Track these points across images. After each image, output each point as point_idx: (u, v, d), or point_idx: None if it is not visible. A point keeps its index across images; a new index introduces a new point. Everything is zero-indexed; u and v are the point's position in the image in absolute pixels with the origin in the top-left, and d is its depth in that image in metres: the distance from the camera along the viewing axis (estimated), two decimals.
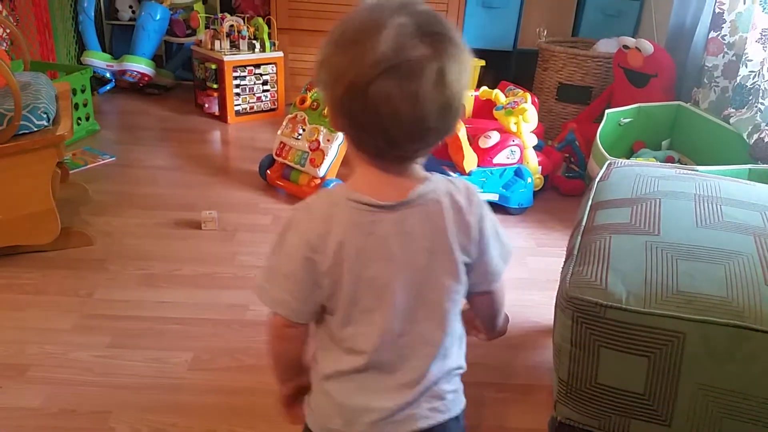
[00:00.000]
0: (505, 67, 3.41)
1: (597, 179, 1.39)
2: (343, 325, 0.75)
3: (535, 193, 2.31)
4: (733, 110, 2.15)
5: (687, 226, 1.12)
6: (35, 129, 1.72)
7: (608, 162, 1.48)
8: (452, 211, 0.73)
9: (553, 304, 1.09)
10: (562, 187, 2.45)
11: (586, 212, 1.25)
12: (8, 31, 2.69)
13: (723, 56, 2.27)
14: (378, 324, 0.73)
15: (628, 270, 1.01)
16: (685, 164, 2.26)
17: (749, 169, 1.89)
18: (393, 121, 0.64)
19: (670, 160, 2.31)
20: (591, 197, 1.31)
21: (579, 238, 1.16)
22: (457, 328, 0.79)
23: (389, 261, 0.72)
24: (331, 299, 0.74)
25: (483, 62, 3.15)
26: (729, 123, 2.14)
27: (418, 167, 0.73)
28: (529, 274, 1.90)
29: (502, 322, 0.90)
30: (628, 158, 2.32)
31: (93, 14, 3.28)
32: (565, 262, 1.15)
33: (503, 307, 0.86)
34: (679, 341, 0.94)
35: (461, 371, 0.81)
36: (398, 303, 0.73)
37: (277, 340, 0.80)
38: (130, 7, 3.54)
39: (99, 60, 3.24)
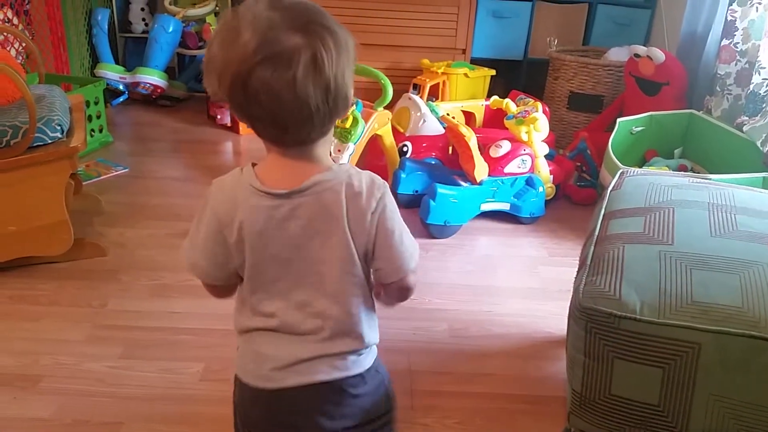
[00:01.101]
0: (516, 76, 3.41)
1: (610, 188, 1.38)
2: (252, 291, 0.83)
3: (547, 203, 2.30)
4: (747, 118, 2.13)
5: (701, 235, 1.11)
6: (49, 141, 1.74)
7: (621, 171, 1.47)
8: (347, 201, 0.78)
9: (566, 315, 1.09)
10: (574, 196, 2.44)
11: (599, 222, 1.24)
12: (24, 45, 2.72)
13: (735, 64, 2.26)
14: (282, 293, 0.82)
15: (642, 280, 1.00)
16: (698, 173, 2.24)
17: (764, 177, 1.87)
18: (277, 107, 0.70)
19: (682, 168, 2.30)
20: (604, 206, 1.30)
21: (592, 247, 1.15)
22: (360, 308, 0.84)
23: (288, 241, 0.79)
24: (241, 269, 0.82)
25: (493, 71, 3.16)
26: (742, 131, 2.12)
27: (323, 155, 0.80)
28: (541, 283, 1.89)
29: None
30: (640, 167, 2.31)
31: (106, 27, 3.33)
32: (578, 272, 1.14)
33: (410, 295, 0.90)
34: (694, 352, 0.93)
35: (368, 345, 0.87)
36: (299, 278, 0.81)
37: (206, 289, 0.90)
38: (143, 20, 3.59)
39: (112, 72, 3.28)
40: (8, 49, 2.74)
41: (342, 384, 0.84)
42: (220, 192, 0.81)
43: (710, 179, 1.56)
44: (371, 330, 0.87)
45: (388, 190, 0.81)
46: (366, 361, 0.87)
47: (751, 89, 2.15)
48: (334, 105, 0.73)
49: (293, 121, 0.72)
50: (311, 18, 0.71)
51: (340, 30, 0.72)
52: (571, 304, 1.05)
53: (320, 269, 0.81)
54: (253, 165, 0.81)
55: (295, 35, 0.69)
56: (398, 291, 0.87)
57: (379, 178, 0.81)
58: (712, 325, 0.92)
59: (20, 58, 2.78)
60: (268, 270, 0.81)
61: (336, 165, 0.80)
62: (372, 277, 0.85)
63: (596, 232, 1.21)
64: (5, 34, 2.71)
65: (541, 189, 2.24)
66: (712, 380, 0.93)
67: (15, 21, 2.82)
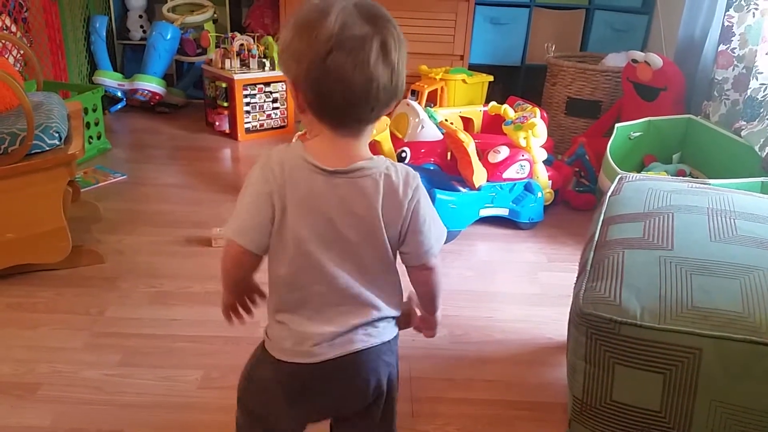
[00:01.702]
0: (514, 82, 3.41)
1: (609, 194, 1.38)
2: (285, 265, 0.88)
3: (546, 208, 2.30)
4: (744, 123, 2.14)
5: (701, 240, 1.11)
6: (47, 148, 1.74)
7: (619, 176, 1.47)
8: (385, 189, 0.86)
9: (566, 320, 1.08)
10: (573, 201, 2.44)
11: (599, 227, 1.24)
12: (22, 52, 2.73)
13: (733, 69, 2.26)
14: (316, 268, 0.87)
15: (642, 285, 1.00)
16: (697, 178, 2.24)
17: (762, 182, 1.87)
18: (349, 83, 0.80)
19: (681, 173, 2.30)
20: (603, 212, 1.30)
21: (592, 253, 1.15)
22: (386, 286, 0.92)
23: (323, 215, 0.86)
24: (275, 236, 0.87)
25: (491, 78, 3.16)
26: (740, 136, 2.13)
27: (366, 148, 0.88)
28: (541, 289, 1.89)
29: (438, 310, 1.03)
30: (638, 172, 2.31)
31: (105, 34, 3.33)
32: (577, 277, 1.14)
33: (441, 288, 0.99)
34: (695, 358, 0.92)
35: (393, 317, 0.95)
36: (330, 253, 0.87)
37: (233, 266, 0.92)
38: (141, 27, 3.59)
39: (110, 79, 3.28)
40: (6, 56, 2.74)
41: (375, 349, 0.92)
42: (269, 157, 0.87)
43: (709, 184, 1.56)
44: (396, 308, 0.95)
45: (420, 180, 0.89)
46: (391, 331, 0.95)
47: (748, 94, 2.16)
48: (395, 87, 0.84)
49: (360, 97, 0.81)
50: (377, 11, 0.82)
51: (398, 27, 0.84)
52: (571, 309, 1.05)
53: (353, 248, 0.87)
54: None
55: (364, 24, 0.80)
56: (422, 274, 0.95)
57: (412, 170, 0.89)
58: (712, 331, 0.92)
59: (18, 65, 2.78)
60: (302, 241, 0.86)
61: (376, 156, 0.87)
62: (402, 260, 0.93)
63: (596, 238, 1.21)
64: (3, 41, 2.71)
65: (539, 194, 2.24)
66: (714, 386, 0.92)
67: (13, 28, 2.82)
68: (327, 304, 0.89)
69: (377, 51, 0.80)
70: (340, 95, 0.81)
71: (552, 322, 1.70)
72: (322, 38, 0.78)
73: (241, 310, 1.00)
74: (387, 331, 0.94)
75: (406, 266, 0.94)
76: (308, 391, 0.93)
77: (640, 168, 2.41)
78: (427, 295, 1.00)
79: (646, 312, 0.95)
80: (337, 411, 0.98)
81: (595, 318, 0.97)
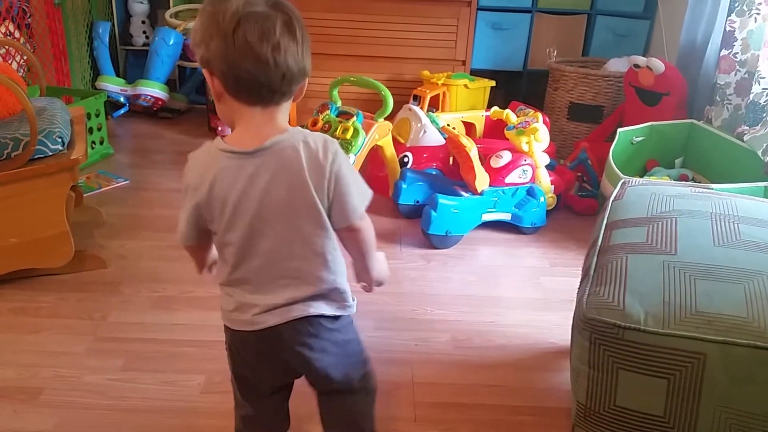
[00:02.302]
0: (516, 87, 3.42)
1: (612, 198, 1.38)
2: (224, 245, 0.96)
3: (548, 213, 2.30)
4: (747, 128, 2.14)
5: (704, 245, 1.11)
6: (50, 153, 1.74)
7: (622, 181, 1.47)
8: (307, 156, 0.91)
9: (569, 325, 1.08)
10: (576, 206, 2.44)
11: (602, 232, 1.24)
12: (26, 58, 2.73)
13: (735, 74, 2.26)
14: (254, 246, 0.94)
15: (646, 290, 1.00)
16: (700, 182, 2.24)
17: (765, 186, 1.87)
18: (257, 53, 0.85)
19: (683, 178, 2.30)
20: (606, 216, 1.30)
21: (595, 258, 1.15)
22: (327, 254, 0.97)
23: (255, 195, 0.91)
24: (212, 224, 0.95)
25: (493, 82, 3.17)
26: (743, 140, 2.12)
27: (282, 120, 0.93)
28: (544, 294, 1.88)
29: (376, 269, 1.07)
30: (641, 177, 2.31)
31: (107, 40, 3.34)
32: (581, 282, 1.14)
33: (371, 247, 1.03)
34: (699, 363, 0.92)
35: (337, 290, 0.99)
36: (267, 228, 0.93)
37: (192, 255, 1.06)
38: (144, 32, 3.60)
39: (113, 85, 3.29)
40: (10, 62, 2.75)
41: (317, 319, 0.98)
42: (192, 162, 0.95)
43: (712, 189, 1.56)
44: (339, 276, 1.00)
45: (339, 146, 0.94)
46: (338, 307, 1.00)
47: (751, 99, 2.15)
48: (303, 61, 0.89)
49: (270, 65, 0.86)
50: (280, 0, 0.89)
51: (298, 13, 0.90)
52: (574, 315, 1.05)
53: (289, 220, 0.93)
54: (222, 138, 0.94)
55: (266, 5, 0.87)
56: (351, 235, 0.99)
57: (329, 137, 0.95)
58: (716, 336, 0.92)
59: (22, 71, 2.79)
60: (237, 223, 0.93)
61: (291, 128, 0.93)
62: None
63: (599, 243, 1.21)
64: (7, 47, 2.72)
65: (542, 199, 2.24)
66: (718, 391, 0.92)
67: (17, 34, 2.83)
68: (267, 279, 0.96)
69: (281, 25, 0.86)
70: (251, 65, 0.85)
71: (555, 327, 1.69)
72: (228, 16, 0.85)
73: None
74: (333, 306, 0.99)
75: (335, 230, 0.97)
76: (260, 355, 1.01)
77: (643, 173, 2.41)
78: (359, 257, 1.03)
79: (650, 317, 0.95)
80: (287, 372, 1.05)
81: (599, 323, 0.97)
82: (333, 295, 0.99)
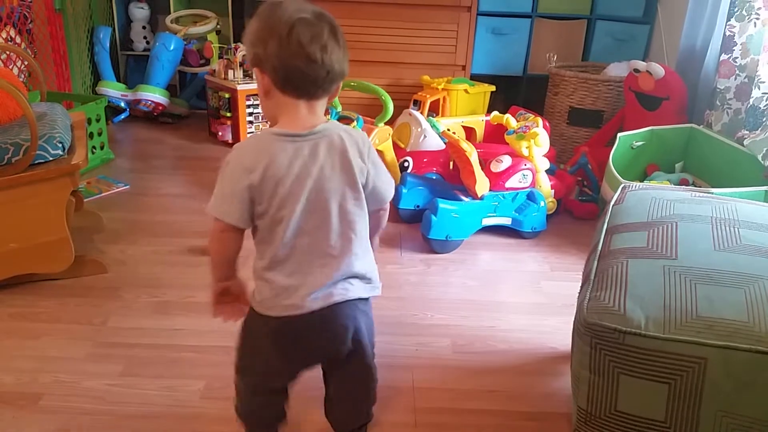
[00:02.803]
0: (516, 92, 3.42)
1: (612, 203, 1.38)
2: (276, 222, 1.01)
3: (549, 217, 2.30)
4: (747, 132, 2.14)
5: (705, 249, 1.11)
6: (51, 158, 1.74)
7: (623, 185, 1.47)
8: (350, 142, 1.03)
9: (570, 330, 1.08)
10: (576, 210, 2.43)
11: (602, 236, 1.24)
12: (26, 63, 2.74)
13: (735, 78, 2.27)
14: (306, 221, 1.02)
15: (647, 295, 1.00)
16: (700, 187, 2.24)
17: (765, 191, 1.87)
18: (308, 52, 0.96)
19: (684, 182, 2.30)
20: (606, 221, 1.30)
21: (595, 262, 1.15)
22: (364, 237, 1.08)
23: (312, 172, 1.01)
24: (263, 204, 1.01)
25: (493, 87, 3.17)
26: (743, 145, 2.12)
27: (321, 114, 1.04)
28: (545, 298, 1.88)
29: (375, 242, 1.20)
30: (641, 181, 2.31)
31: (108, 45, 3.35)
32: (581, 287, 1.14)
33: (384, 225, 1.19)
34: (700, 367, 0.92)
35: (369, 271, 1.10)
36: (318, 205, 1.02)
37: (220, 242, 1.06)
38: (145, 38, 3.61)
39: (114, 90, 3.29)
40: (11, 67, 2.75)
41: (354, 302, 1.07)
42: (241, 149, 1.02)
43: (712, 193, 1.56)
44: (370, 257, 1.11)
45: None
46: (371, 288, 1.11)
47: (750, 103, 2.16)
48: (343, 65, 1.01)
49: (317, 64, 0.97)
50: (324, 11, 1.01)
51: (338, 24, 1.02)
52: (575, 319, 1.05)
53: (337, 199, 1.03)
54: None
55: (315, 15, 0.99)
56: (378, 215, 1.14)
57: (361, 131, 1.09)
58: (717, 340, 0.91)
59: (23, 76, 2.79)
60: (288, 202, 1.00)
61: (330, 120, 1.07)
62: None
63: (599, 247, 1.20)
64: (8, 52, 2.73)
65: (542, 203, 2.24)
66: (719, 396, 0.92)
67: (17, 40, 2.84)
68: (309, 258, 1.03)
69: (328, 31, 0.98)
70: (302, 63, 0.97)
71: (555, 332, 1.69)
72: (284, 21, 0.97)
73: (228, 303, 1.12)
74: (365, 288, 1.09)
75: (368, 211, 1.08)
76: (298, 341, 1.07)
77: (643, 177, 2.41)
78: (373, 233, 1.16)
79: (651, 321, 0.95)
80: (323, 356, 1.13)
81: (600, 328, 0.97)
82: (367, 275, 1.09)
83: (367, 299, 1.11)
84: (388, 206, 1.15)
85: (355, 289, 1.07)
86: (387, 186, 1.10)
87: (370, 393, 1.22)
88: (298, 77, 0.99)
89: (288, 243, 1.02)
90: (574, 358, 1.05)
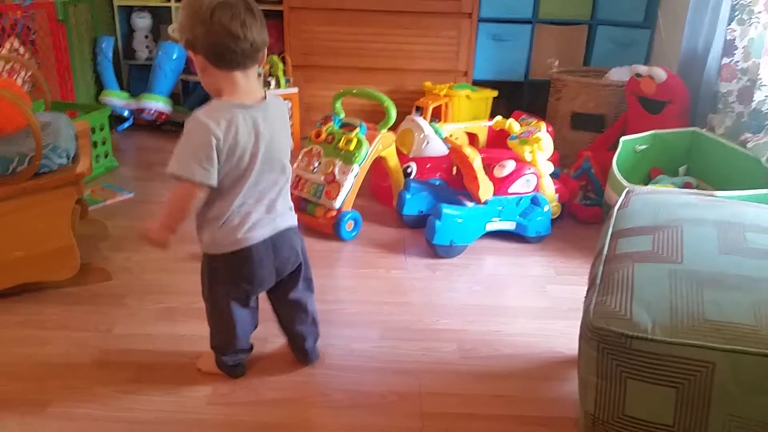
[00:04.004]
0: (518, 97, 3.43)
1: (617, 207, 1.38)
2: (235, 180, 1.25)
3: (553, 221, 2.30)
4: (750, 135, 2.14)
5: (711, 253, 1.11)
6: (55, 167, 1.75)
7: (627, 189, 1.47)
8: (284, 109, 1.36)
9: (576, 334, 1.08)
10: (580, 214, 2.44)
11: (607, 241, 1.24)
12: (30, 73, 2.75)
13: (737, 81, 2.27)
14: (255, 175, 1.26)
15: (653, 299, 1.00)
16: (703, 190, 2.24)
17: None
18: (230, 29, 1.16)
19: (688, 186, 2.30)
20: (611, 225, 1.30)
21: (601, 267, 1.15)
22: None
23: (262, 137, 1.25)
24: (228, 164, 1.22)
25: (495, 93, 3.18)
26: (746, 148, 2.13)
27: (256, 79, 1.27)
28: (550, 302, 1.88)
29: None
30: (645, 185, 2.31)
31: (111, 55, 3.36)
32: (587, 291, 1.14)
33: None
34: (708, 371, 0.92)
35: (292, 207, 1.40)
36: (264, 161, 1.26)
37: (190, 201, 1.24)
38: (147, 47, 3.63)
39: (117, 99, 3.31)
40: (15, 77, 2.76)
41: (294, 228, 1.40)
42: (206, 115, 1.20)
43: (717, 196, 1.56)
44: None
45: None
46: (294, 216, 1.41)
47: (753, 106, 2.16)
48: (263, 36, 1.21)
49: (241, 38, 1.16)
50: None
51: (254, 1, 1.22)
52: (581, 324, 1.05)
53: (276, 154, 1.29)
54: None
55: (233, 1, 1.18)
56: None
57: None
58: (725, 344, 0.91)
59: (27, 86, 2.80)
60: (243, 159, 1.23)
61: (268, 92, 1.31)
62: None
63: (605, 251, 1.21)
64: (12, 63, 2.74)
65: (546, 208, 2.24)
66: (728, 400, 0.92)
67: (21, 50, 2.85)
68: (271, 201, 1.32)
69: (244, 9, 1.17)
70: (228, 40, 1.16)
71: (561, 336, 1.69)
72: (205, 6, 1.15)
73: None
74: (293, 217, 1.40)
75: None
76: (275, 253, 1.35)
77: (647, 181, 2.41)
78: None
79: (658, 326, 0.95)
80: (283, 271, 1.41)
81: (606, 332, 0.97)
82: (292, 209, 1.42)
83: (294, 227, 1.40)
84: None
85: (290, 219, 1.38)
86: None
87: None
88: (228, 53, 1.17)
89: (248, 193, 1.27)
90: (581, 363, 1.05)
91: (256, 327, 1.49)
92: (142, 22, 3.61)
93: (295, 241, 1.40)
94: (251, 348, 1.51)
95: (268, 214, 1.32)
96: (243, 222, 1.29)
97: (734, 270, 1.05)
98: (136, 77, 3.65)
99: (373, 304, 1.84)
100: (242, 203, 1.28)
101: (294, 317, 1.49)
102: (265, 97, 1.28)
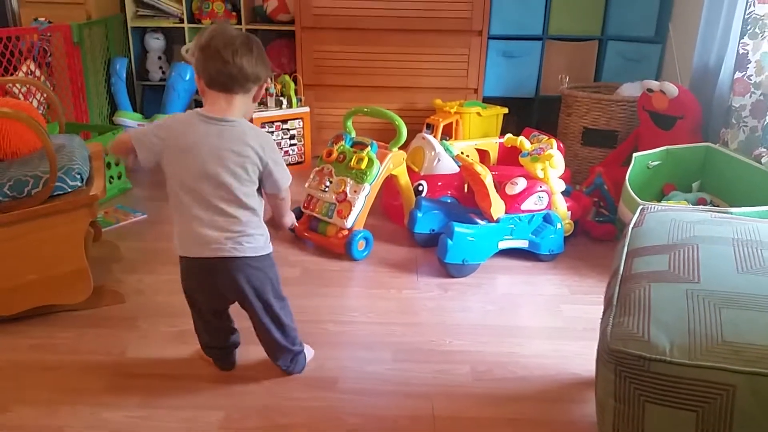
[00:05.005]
0: (528, 113, 3.42)
1: (631, 225, 1.37)
2: (179, 188, 1.38)
3: (566, 239, 2.28)
4: (765, 150, 2.12)
5: (728, 272, 1.09)
6: (69, 190, 1.76)
7: (641, 207, 1.45)
8: (252, 135, 1.36)
9: (592, 355, 1.06)
10: (593, 231, 2.41)
11: (623, 260, 1.23)
12: (45, 95, 2.79)
13: (750, 96, 2.25)
14: (196, 191, 1.35)
15: (671, 320, 0.98)
16: (718, 206, 2.21)
17: None
18: (221, 57, 1.30)
19: (701, 202, 2.27)
20: (626, 244, 1.28)
21: (617, 287, 1.13)
22: (247, 203, 1.38)
23: (205, 147, 1.34)
24: (165, 165, 1.38)
25: (506, 109, 3.18)
26: (761, 163, 2.10)
27: (239, 109, 1.37)
28: (564, 322, 1.86)
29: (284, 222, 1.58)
30: (658, 201, 2.29)
31: (125, 76, 3.40)
32: (603, 312, 1.12)
33: (285, 212, 1.54)
34: (729, 395, 0.90)
35: (253, 236, 1.41)
36: (209, 179, 1.34)
37: (121, 145, 1.40)
38: (161, 68, 3.67)
39: (130, 120, 3.33)
40: (30, 100, 2.80)
41: (240, 258, 1.40)
42: (172, 117, 1.39)
43: (732, 213, 1.54)
44: (254, 225, 1.42)
45: (272, 140, 1.44)
46: (246, 247, 1.40)
47: (767, 121, 2.14)
48: (255, 72, 1.34)
49: (230, 64, 1.31)
50: (248, 35, 1.38)
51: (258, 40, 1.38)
52: (598, 346, 1.03)
53: (228, 180, 1.34)
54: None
55: (235, 34, 1.34)
56: (278, 202, 1.51)
57: (262, 131, 1.47)
58: (745, 366, 0.89)
59: (42, 108, 2.84)
60: (185, 171, 1.35)
61: (241, 117, 1.38)
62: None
63: (620, 271, 1.19)
64: (28, 86, 2.78)
65: (559, 225, 2.23)
66: (751, 424, 0.89)
67: (37, 73, 2.90)
68: (204, 223, 1.36)
69: (241, 42, 1.32)
70: (219, 63, 1.31)
71: (577, 357, 1.67)
72: (205, 37, 1.32)
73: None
74: (241, 249, 1.39)
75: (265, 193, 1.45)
76: (202, 278, 1.44)
77: (660, 197, 2.39)
78: (277, 210, 1.54)
79: (676, 348, 0.93)
80: (224, 297, 1.48)
81: (624, 355, 0.95)
82: (251, 236, 1.44)
83: (245, 258, 1.41)
84: (284, 195, 1.47)
85: (243, 248, 1.40)
86: (283, 179, 1.42)
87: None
88: (216, 75, 1.32)
89: (187, 203, 1.37)
90: (598, 386, 1.03)
91: (223, 346, 1.59)
92: (156, 43, 3.65)
93: (231, 273, 1.43)
94: (224, 348, 1.60)
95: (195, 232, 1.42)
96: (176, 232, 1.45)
97: (752, 290, 1.03)
98: (150, 98, 3.69)
99: (385, 325, 1.83)
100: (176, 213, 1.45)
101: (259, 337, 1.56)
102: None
